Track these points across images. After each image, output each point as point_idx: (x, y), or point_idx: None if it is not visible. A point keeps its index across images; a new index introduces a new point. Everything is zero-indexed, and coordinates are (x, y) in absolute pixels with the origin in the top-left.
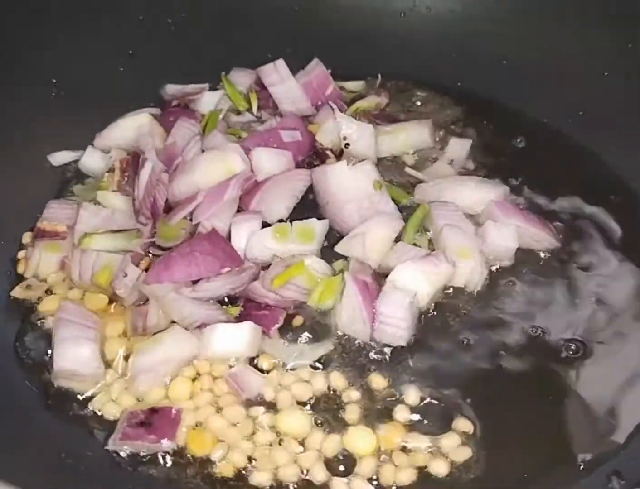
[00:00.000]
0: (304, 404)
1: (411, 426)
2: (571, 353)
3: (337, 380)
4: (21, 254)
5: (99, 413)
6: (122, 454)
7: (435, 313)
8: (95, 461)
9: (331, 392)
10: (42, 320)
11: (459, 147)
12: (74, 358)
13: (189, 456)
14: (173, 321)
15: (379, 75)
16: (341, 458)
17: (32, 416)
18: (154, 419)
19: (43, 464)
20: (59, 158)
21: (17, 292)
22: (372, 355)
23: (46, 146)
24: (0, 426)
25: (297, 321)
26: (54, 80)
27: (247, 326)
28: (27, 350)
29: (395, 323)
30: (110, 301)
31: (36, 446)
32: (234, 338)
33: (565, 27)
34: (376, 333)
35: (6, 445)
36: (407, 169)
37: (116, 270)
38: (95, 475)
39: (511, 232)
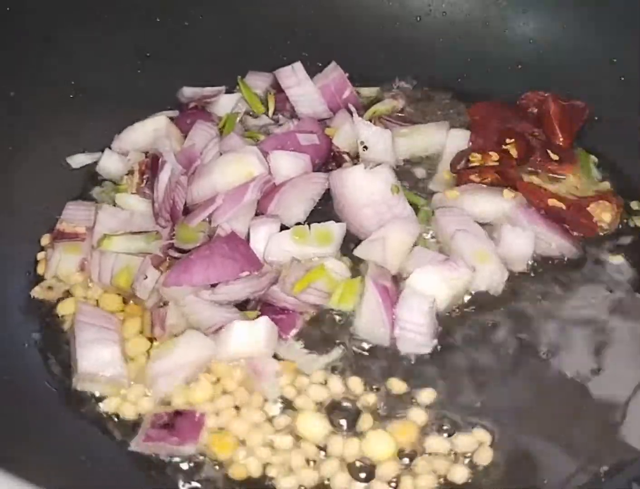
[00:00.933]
0: (320, 406)
1: (430, 431)
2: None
3: (354, 383)
4: (41, 255)
5: (118, 415)
6: (143, 455)
7: (456, 316)
8: (114, 463)
9: (348, 396)
10: (61, 321)
11: (459, 139)
12: (97, 360)
13: (210, 459)
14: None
15: (396, 78)
16: (361, 463)
17: (51, 416)
18: (178, 421)
19: (61, 465)
20: (77, 160)
21: (37, 292)
22: (390, 358)
23: (64, 148)
24: (19, 426)
25: (314, 325)
26: (72, 82)
27: (263, 322)
28: (46, 350)
29: (415, 329)
30: (125, 302)
31: (55, 447)
32: (250, 335)
33: (582, 28)
34: (398, 342)
35: (25, 445)
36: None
37: (136, 272)
38: (115, 476)
39: (529, 238)
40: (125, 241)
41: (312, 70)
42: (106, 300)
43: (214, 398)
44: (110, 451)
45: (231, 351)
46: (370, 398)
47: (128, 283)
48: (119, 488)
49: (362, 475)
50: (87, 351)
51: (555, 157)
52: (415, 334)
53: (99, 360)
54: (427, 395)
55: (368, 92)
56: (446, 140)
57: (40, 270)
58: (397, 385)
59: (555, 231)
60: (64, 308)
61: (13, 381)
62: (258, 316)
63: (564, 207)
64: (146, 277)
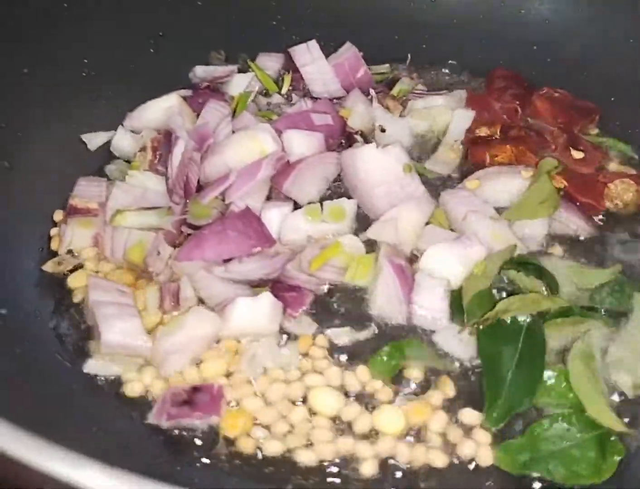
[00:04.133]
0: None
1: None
2: None
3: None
4: (54, 231)
5: (133, 389)
6: (158, 429)
7: None
8: (127, 435)
9: (364, 385)
10: (73, 295)
11: (463, 120)
12: (122, 331)
13: (224, 434)
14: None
15: (409, 56)
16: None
17: (62, 388)
18: (197, 397)
19: (74, 436)
20: (92, 140)
21: (49, 266)
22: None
23: (77, 126)
24: (30, 397)
25: (331, 306)
26: (85, 60)
27: (266, 298)
28: (58, 324)
29: (433, 314)
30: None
31: (66, 418)
32: (253, 312)
33: (598, 8)
34: (414, 318)
35: (37, 416)
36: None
37: (149, 247)
38: (128, 448)
39: (544, 220)
40: (138, 217)
41: (325, 52)
42: (117, 275)
43: (227, 372)
44: (122, 424)
45: (234, 327)
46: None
47: (141, 258)
48: (132, 458)
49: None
50: (109, 326)
51: (579, 155)
52: (432, 315)
53: (126, 331)
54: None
55: (378, 69)
56: (451, 119)
57: (53, 245)
58: (413, 373)
59: (571, 210)
60: (74, 281)
61: (25, 354)
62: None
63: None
64: (159, 253)
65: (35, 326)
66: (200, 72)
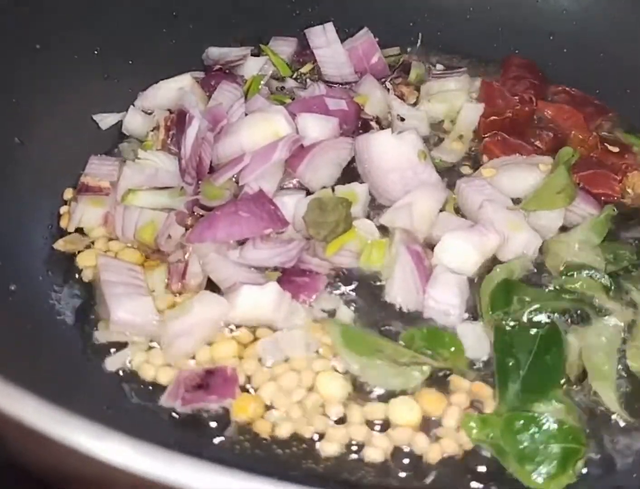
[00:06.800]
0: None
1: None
2: None
3: None
4: (64, 209)
5: (139, 371)
6: (168, 408)
7: None
8: (137, 414)
9: None
10: (83, 273)
11: (472, 113)
12: (132, 310)
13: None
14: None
15: (420, 35)
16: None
17: (72, 367)
18: (211, 380)
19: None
20: (104, 120)
21: (60, 244)
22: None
23: (88, 104)
24: (40, 374)
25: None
26: (98, 38)
27: (271, 288)
28: (69, 301)
29: (445, 309)
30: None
31: (77, 397)
32: (258, 300)
33: None
34: (426, 311)
35: (47, 392)
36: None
37: (160, 226)
38: (139, 426)
39: (560, 211)
40: (150, 196)
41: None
42: (128, 255)
43: (239, 355)
44: (133, 403)
45: (239, 314)
46: None
47: (152, 237)
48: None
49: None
50: (119, 304)
51: (614, 148)
52: (447, 308)
53: (133, 311)
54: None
55: (388, 52)
56: (460, 111)
57: (63, 223)
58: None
59: (587, 200)
60: (83, 260)
61: (36, 330)
62: (279, 278)
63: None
64: (170, 235)
65: (45, 303)
66: (214, 53)
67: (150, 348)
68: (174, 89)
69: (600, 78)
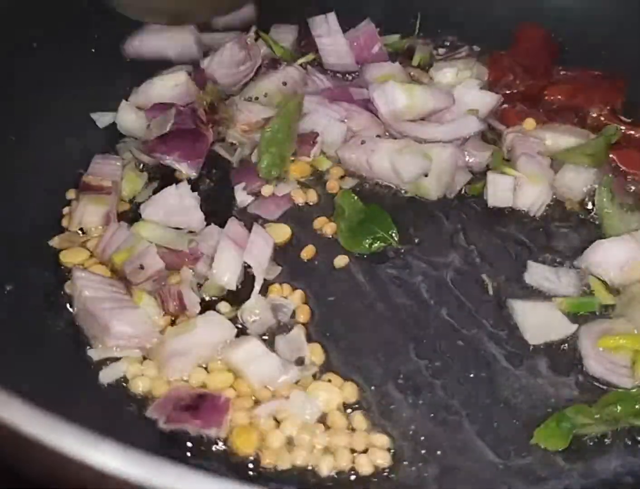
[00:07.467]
0: None
1: None
2: None
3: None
4: (66, 210)
5: (136, 385)
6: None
7: None
8: (129, 425)
9: None
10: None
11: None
12: (130, 322)
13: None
14: (205, 303)
15: (418, 15)
16: None
17: (66, 373)
18: (201, 404)
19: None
20: (101, 118)
21: (56, 242)
22: None
23: (86, 103)
24: (35, 380)
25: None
26: (96, 35)
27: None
28: (67, 302)
29: None
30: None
31: (70, 407)
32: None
33: None
34: None
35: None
36: None
37: (135, 253)
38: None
39: (590, 177)
40: (159, 232)
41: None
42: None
43: (234, 385)
44: (126, 415)
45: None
46: None
47: (122, 262)
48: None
49: None
50: (114, 317)
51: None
52: None
53: (131, 321)
54: None
55: (387, 40)
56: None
57: (64, 223)
58: None
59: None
60: (67, 257)
61: (30, 333)
62: None
63: None
64: (142, 266)
65: (43, 304)
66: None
67: (145, 358)
68: (168, 86)
69: (613, 59)
